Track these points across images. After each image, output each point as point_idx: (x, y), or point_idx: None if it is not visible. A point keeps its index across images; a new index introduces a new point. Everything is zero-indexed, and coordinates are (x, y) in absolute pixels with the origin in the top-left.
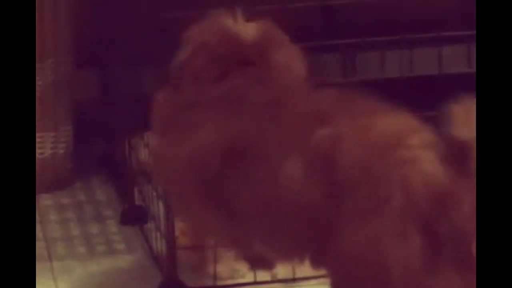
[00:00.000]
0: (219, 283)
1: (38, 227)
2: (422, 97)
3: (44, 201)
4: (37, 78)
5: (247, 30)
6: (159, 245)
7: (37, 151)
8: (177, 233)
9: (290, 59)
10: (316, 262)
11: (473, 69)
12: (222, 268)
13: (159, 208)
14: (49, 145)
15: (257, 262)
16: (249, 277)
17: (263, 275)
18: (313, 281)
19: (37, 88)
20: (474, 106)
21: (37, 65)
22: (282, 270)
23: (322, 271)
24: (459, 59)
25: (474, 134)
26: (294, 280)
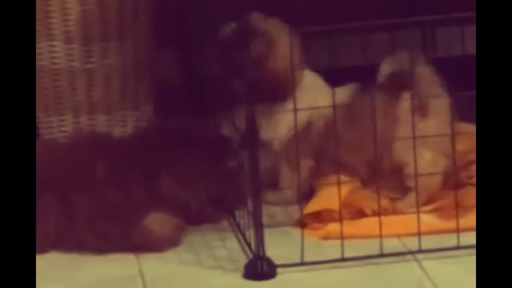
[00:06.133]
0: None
1: None
2: None
3: None
4: (117, 58)
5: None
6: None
7: (119, 129)
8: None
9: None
10: None
11: None
12: None
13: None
14: (131, 123)
15: None
16: (336, 254)
17: (349, 252)
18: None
19: (117, 67)
20: None
21: (117, 45)
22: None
23: None
24: None
25: None
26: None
